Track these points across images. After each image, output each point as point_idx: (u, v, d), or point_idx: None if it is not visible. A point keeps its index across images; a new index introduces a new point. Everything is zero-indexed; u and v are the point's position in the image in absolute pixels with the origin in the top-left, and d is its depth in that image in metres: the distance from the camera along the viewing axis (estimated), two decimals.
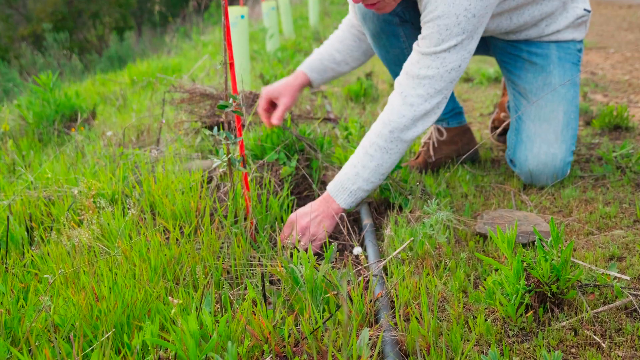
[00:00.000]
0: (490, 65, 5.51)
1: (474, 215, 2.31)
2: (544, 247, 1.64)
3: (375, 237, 2.20)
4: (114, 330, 1.55)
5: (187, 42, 9.32)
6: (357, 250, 1.77)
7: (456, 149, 2.84)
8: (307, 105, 4.25)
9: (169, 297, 1.27)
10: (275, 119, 2.57)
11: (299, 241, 2.13)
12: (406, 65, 2.20)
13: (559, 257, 1.60)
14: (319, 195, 2.62)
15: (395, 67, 2.66)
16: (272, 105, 2.69)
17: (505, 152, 2.94)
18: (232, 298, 1.83)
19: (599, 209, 2.22)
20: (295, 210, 2.28)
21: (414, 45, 2.20)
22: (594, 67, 5.37)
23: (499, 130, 3.07)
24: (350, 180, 2.21)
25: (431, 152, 2.82)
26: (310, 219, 2.17)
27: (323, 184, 2.67)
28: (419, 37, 2.17)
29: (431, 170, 2.79)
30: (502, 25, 2.45)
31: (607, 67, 5.31)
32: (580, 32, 2.58)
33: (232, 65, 2.14)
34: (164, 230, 2.25)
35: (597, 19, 9.60)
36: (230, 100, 2.09)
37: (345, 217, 2.35)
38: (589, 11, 2.54)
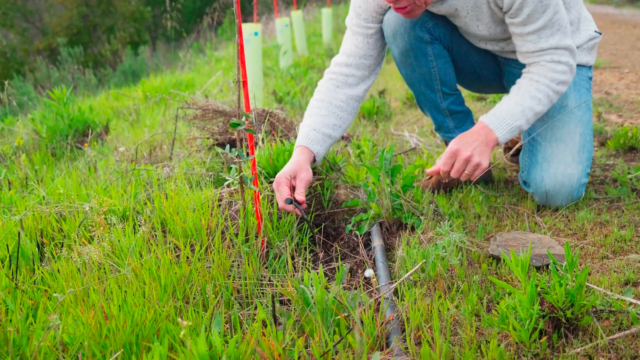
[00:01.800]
0: (505, 87, 5.48)
1: (487, 237, 2.29)
2: (558, 271, 1.62)
3: (386, 258, 2.18)
4: (122, 350, 1.54)
5: (201, 58, 9.36)
6: (369, 272, 1.76)
7: None
8: None
9: (178, 319, 1.26)
10: (299, 194, 2.28)
11: (458, 173, 2.29)
12: (530, 47, 2.35)
13: (573, 282, 1.58)
14: (328, 216, 2.61)
15: (420, 87, 2.66)
16: (293, 189, 2.39)
17: (518, 174, 2.92)
18: (241, 318, 1.82)
19: (614, 232, 2.19)
20: (311, 227, 2.27)
21: (518, 31, 2.35)
22: (608, 87, 5.34)
23: (512, 151, 3.05)
24: (514, 117, 2.32)
25: None
26: (473, 148, 2.28)
27: (334, 204, 2.66)
28: (518, 22, 2.32)
29: (444, 191, 2.77)
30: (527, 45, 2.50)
31: (621, 87, 5.28)
32: (592, 57, 2.64)
33: (245, 83, 2.14)
34: (174, 248, 2.24)
35: (610, 37, 9.57)
36: (243, 119, 2.09)
37: (359, 236, 2.34)
38: (599, 33, 2.57)
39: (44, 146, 4.11)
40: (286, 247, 2.25)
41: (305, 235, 2.35)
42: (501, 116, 2.33)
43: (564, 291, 1.57)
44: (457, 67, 2.69)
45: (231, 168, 2.20)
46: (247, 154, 2.12)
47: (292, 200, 2.22)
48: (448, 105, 2.69)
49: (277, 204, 2.31)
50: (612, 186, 2.64)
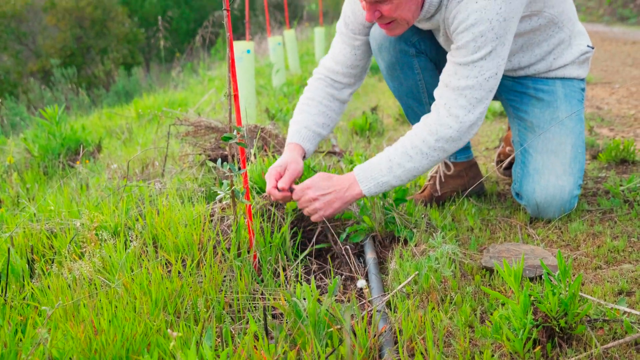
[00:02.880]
0: (495, 100, 5.51)
1: (479, 249, 2.28)
2: (551, 280, 1.61)
3: (379, 270, 2.17)
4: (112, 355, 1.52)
5: (194, 78, 9.38)
6: (361, 283, 1.75)
7: (462, 183, 2.83)
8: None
9: (168, 330, 1.24)
10: (283, 182, 2.33)
11: (303, 207, 2.31)
12: (444, 78, 2.24)
13: (567, 291, 1.57)
14: (321, 231, 2.60)
15: (407, 100, 2.67)
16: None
17: (511, 186, 2.92)
18: (233, 332, 1.80)
19: (607, 243, 2.18)
20: (301, 233, 2.26)
21: (448, 57, 2.24)
22: (600, 102, 5.36)
23: (504, 164, 3.06)
24: (381, 173, 2.26)
25: (437, 186, 2.80)
26: (322, 194, 2.27)
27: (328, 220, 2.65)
28: (453, 47, 2.21)
29: (437, 204, 2.76)
30: (518, 61, 2.52)
31: (612, 102, 5.31)
32: (584, 70, 2.61)
33: (236, 97, 2.13)
34: (166, 263, 2.22)
35: (601, 54, 9.63)
36: (235, 132, 2.08)
37: (350, 249, 2.33)
38: (592, 47, 2.57)
39: (35, 165, 4.10)
40: (278, 261, 2.24)
41: (299, 251, 2.34)
42: (370, 170, 2.28)
43: (557, 300, 1.56)
44: None
45: (223, 183, 2.19)
46: (239, 168, 2.12)
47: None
48: None
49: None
50: (604, 198, 2.64)
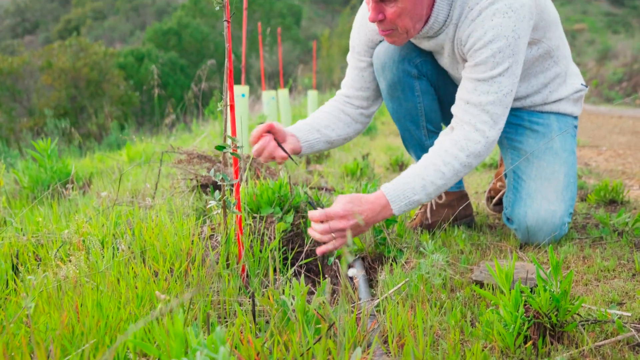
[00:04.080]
0: None
1: (470, 268, 2.27)
2: (542, 277, 1.60)
3: (368, 286, 2.15)
4: (95, 340, 1.48)
5: (187, 134, 9.44)
6: (352, 272, 1.73)
7: (453, 213, 2.83)
8: (301, 181, 4.26)
9: (156, 292, 1.22)
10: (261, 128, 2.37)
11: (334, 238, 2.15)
12: (462, 95, 2.27)
13: (558, 287, 1.56)
14: (312, 253, 2.58)
15: (405, 122, 2.70)
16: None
17: (501, 218, 2.94)
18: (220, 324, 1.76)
19: (597, 263, 2.18)
20: (291, 252, 2.23)
21: (464, 74, 2.27)
22: (588, 160, 5.44)
23: (495, 200, 3.08)
24: (414, 191, 2.21)
25: (428, 215, 2.81)
26: (354, 223, 2.14)
27: (317, 241, 2.63)
28: (468, 65, 2.25)
29: (427, 230, 2.76)
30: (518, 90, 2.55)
31: (600, 160, 5.38)
32: (578, 108, 2.68)
33: (232, 107, 2.15)
34: (154, 273, 2.19)
35: (588, 125, 9.81)
36: (229, 142, 2.09)
37: (339, 265, 2.31)
38: (585, 86, 2.64)
39: (24, 196, 4.08)
40: (267, 275, 2.22)
41: (286, 268, 2.32)
42: (402, 189, 2.22)
43: (549, 296, 1.55)
44: (442, 106, 2.74)
45: (215, 193, 2.19)
46: (232, 179, 2.12)
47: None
48: (432, 143, 2.72)
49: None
50: (594, 229, 2.65)
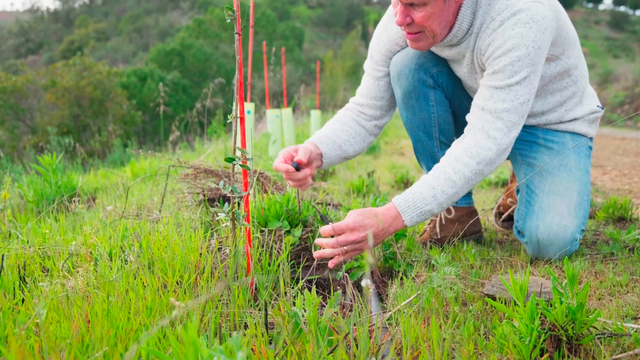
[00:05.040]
0: None
1: (481, 282, 2.25)
2: (558, 290, 1.59)
3: (378, 300, 2.13)
4: (106, 349, 1.46)
5: (190, 152, 9.44)
6: (365, 282, 1.70)
7: (462, 229, 2.82)
8: (307, 197, 4.24)
9: (171, 299, 1.20)
10: (299, 157, 2.38)
11: (346, 250, 2.13)
12: (478, 102, 2.27)
13: (574, 299, 1.54)
14: (320, 267, 2.56)
15: (418, 132, 2.70)
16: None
17: (511, 231, 2.92)
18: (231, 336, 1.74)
19: (610, 278, 2.16)
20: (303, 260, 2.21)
21: (482, 82, 2.28)
22: (594, 179, 5.43)
23: (503, 216, 3.06)
24: (425, 201, 2.21)
25: (437, 229, 2.80)
26: (365, 235, 2.12)
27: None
28: (487, 73, 2.27)
29: (436, 246, 2.74)
30: (531, 106, 2.55)
31: (606, 180, 5.38)
32: (593, 129, 2.68)
33: (242, 119, 2.15)
34: (162, 285, 2.17)
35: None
36: (239, 153, 2.09)
37: (348, 278, 2.29)
38: (602, 108, 2.65)
39: (29, 210, 4.06)
40: (276, 287, 2.20)
41: (295, 281, 2.30)
42: (412, 199, 2.21)
43: (565, 308, 1.53)
44: (456, 119, 2.73)
45: (224, 204, 2.18)
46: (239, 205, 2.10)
47: (297, 165, 2.36)
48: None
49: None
50: (604, 245, 2.63)
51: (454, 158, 2.24)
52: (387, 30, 2.63)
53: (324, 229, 2.16)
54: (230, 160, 2.10)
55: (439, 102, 2.63)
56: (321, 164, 2.59)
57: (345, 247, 2.12)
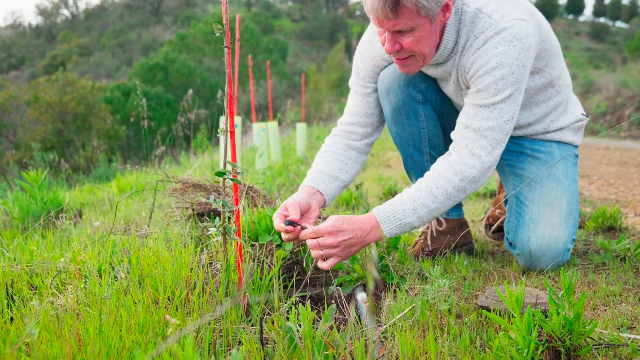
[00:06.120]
0: None
1: (474, 294, 2.24)
2: (555, 301, 1.58)
3: (372, 312, 2.11)
4: None
5: (176, 166, 9.39)
6: (361, 296, 1.69)
7: (453, 240, 2.81)
8: None
9: (166, 316, 1.18)
10: (291, 215, 2.26)
11: (315, 250, 2.13)
12: (463, 120, 2.27)
13: (570, 310, 1.54)
14: (312, 281, 2.55)
15: (408, 148, 2.69)
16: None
17: (502, 242, 2.92)
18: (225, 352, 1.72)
19: (603, 288, 2.16)
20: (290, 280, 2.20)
21: (467, 100, 2.28)
22: (581, 189, 5.44)
23: (493, 227, 3.06)
24: (404, 213, 2.20)
25: (428, 242, 2.79)
26: (344, 240, 2.11)
27: (317, 268, 2.60)
28: (471, 91, 2.26)
29: (428, 258, 2.74)
30: (517, 119, 2.53)
31: (593, 189, 5.40)
32: (578, 137, 2.69)
33: (232, 133, 2.14)
34: (153, 301, 2.15)
35: None
36: (229, 167, 2.07)
37: (341, 292, 2.27)
38: (586, 116, 2.66)
39: (15, 227, 4.01)
40: (268, 302, 2.18)
41: (286, 296, 2.29)
42: (392, 211, 2.21)
43: (562, 319, 1.53)
44: (445, 133, 2.73)
45: (215, 219, 2.16)
46: (229, 219, 2.08)
47: (289, 222, 2.22)
48: None
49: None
50: (595, 254, 2.63)
51: (438, 173, 2.24)
52: (373, 45, 2.59)
53: (305, 232, 2.16)
54: (220, 174, 2.09)
55: (429, 117, 2.62)
56: (324, 202, 2.51)
57: (321, 252, 2.12)
